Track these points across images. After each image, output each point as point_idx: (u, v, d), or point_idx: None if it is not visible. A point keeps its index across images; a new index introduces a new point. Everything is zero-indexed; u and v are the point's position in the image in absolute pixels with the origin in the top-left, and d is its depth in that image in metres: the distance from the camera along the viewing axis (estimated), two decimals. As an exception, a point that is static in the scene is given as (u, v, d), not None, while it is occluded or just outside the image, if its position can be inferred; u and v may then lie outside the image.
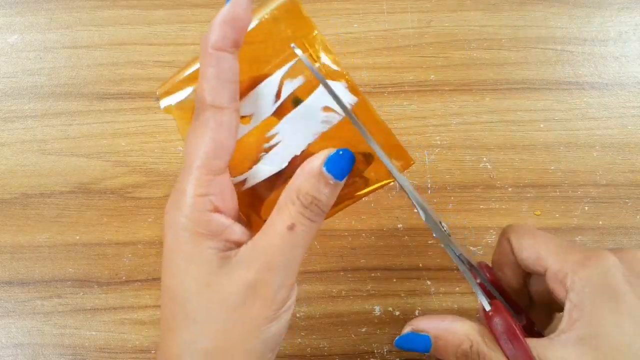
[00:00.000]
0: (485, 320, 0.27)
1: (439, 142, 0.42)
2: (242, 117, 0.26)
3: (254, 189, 0.26)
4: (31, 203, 0.42)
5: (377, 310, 0.40)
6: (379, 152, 0.25)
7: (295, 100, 0.26)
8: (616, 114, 0.43)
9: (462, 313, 0.40)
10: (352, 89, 0.25)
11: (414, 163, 0.26)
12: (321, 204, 0.25)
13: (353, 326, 0.40)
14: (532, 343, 0.25)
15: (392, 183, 0.27)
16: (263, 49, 0.26)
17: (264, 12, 0.25)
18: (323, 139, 0.26)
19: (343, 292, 0.40)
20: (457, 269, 0.40)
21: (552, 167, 0.42)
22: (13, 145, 0.43)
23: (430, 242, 0.41)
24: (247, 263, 0.24)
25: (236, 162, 0.25)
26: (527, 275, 0.31)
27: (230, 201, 0.25)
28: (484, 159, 0.42)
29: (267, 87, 0.25)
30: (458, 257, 0.28)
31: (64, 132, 0.43)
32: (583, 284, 0.25)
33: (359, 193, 0.27)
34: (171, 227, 0.24)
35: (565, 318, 0.25)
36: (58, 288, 0.40)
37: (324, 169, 0.24)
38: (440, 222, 0.28)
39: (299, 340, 0.39)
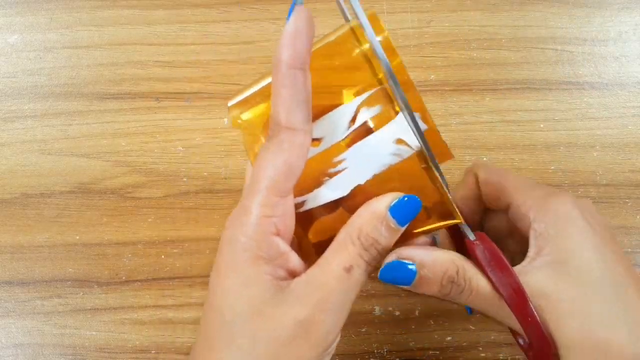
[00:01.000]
0: (467, 251, 0.27)
1: (439, 142, 0.42)
2: (313, 139, 0.25)
3: (308, 210, 0.26)
4: (31, 203, 0.42)
5: (377, 310, 0.40)
6: (445, 184, 0.25)
7: (367, 130, 0.25)
8: (616, 114, 0.43)
9: (462, 313, 0.40)
10: (424, 117, 0.25)
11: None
12: (380, 247, 0.25)
13: (353, 326, 0.40)
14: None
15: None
16: (336, 68, 0.25)
17: (343, 30, 0.25)
18: (388, 174, 0.25)
19: (343, 292, 0.40)
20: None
21: (552, 167, 0.42)
22: (13, 145, 0.43)
23: (430, 242, 0.41)
24: (301, 299, 0.23)
25: (298, 182, 0.25)
26: (485, 212, 0.32)
27: (290, 225, 0.24)
28: (484, 159, 0.42)
29: (343, 113, 0.25)
30: (446, 186, 0.28)
31: (64, 132, 0.43)
32: (547, 215, 0.27)
33: (417, 230, 0.26)
34: (230, 244, 0.24)
35: (532, 246, 0.27)
36: (58, 288, 0.40)
37: (388, 213, 0.24)
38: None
39: (299, 340, 0.39)
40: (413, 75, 0.43)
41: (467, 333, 0.39)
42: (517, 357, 0.39)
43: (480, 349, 0.39)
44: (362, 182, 0.25)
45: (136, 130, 0.43)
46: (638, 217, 0.41)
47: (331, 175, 0.25)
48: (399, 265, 0.26)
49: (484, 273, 0.26)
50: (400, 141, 0.25)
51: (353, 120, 0.25)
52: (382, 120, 0.25)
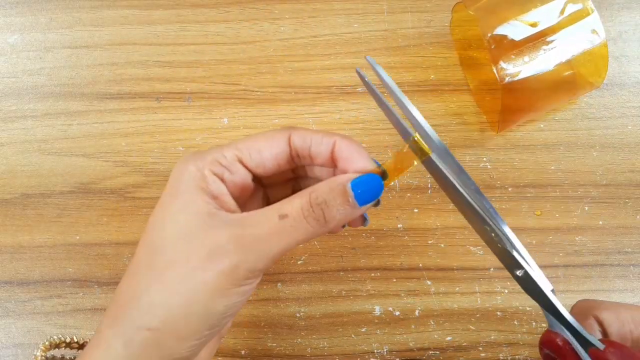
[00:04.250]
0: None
1: (439, 142, 0.42)
2: (532, 23, 0.35)
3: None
4: (31, 203, 0.42)
5: (377, 310, 0.40)
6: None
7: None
8: (616, 114, 0.43)
9: (462, 313, 0.40)
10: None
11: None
12: (328, 211, 0.24)
13: (353, 326, 0.40)
14: None
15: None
16: None
17: None
18: (580, 58, 0.36)
19: (343, 292, 0.40)
20: (457, 269, 0.40)
21: (552, 167, 0.42)
22: (13, 145, 0.43)
23: (430, 242, 0.41)
24: (227, 226, 0.24)
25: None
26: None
27: (238, 189, 0.26)
28: (484, 159, 0.42)
29: (556, 5, 0.35)
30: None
31: (64, 132, 0.43)
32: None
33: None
34: (179, 172, 0.25)
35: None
36: (58, 288, 0.40)
37: (349, 184, 0.25)
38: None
39: (299, 340, 0.39)
40: (413, 75, 0.43)
41: (467, 333, 0.39)
42: (517, 357, 0.39)
43: (480, 349, 0.39)
44: (564, 60, 0.36)
45: (136, 130, 0.43)
46: (638, 217, 0.41)
47: (545, 51, 0.35)
48: None
49: None
50: (594, 31, 0.36)
51: (563, 11, 0.35)
52: (583, 14, 0.36)
